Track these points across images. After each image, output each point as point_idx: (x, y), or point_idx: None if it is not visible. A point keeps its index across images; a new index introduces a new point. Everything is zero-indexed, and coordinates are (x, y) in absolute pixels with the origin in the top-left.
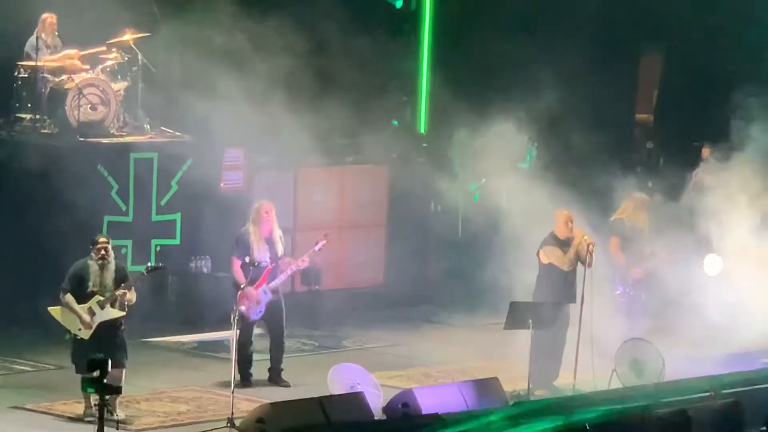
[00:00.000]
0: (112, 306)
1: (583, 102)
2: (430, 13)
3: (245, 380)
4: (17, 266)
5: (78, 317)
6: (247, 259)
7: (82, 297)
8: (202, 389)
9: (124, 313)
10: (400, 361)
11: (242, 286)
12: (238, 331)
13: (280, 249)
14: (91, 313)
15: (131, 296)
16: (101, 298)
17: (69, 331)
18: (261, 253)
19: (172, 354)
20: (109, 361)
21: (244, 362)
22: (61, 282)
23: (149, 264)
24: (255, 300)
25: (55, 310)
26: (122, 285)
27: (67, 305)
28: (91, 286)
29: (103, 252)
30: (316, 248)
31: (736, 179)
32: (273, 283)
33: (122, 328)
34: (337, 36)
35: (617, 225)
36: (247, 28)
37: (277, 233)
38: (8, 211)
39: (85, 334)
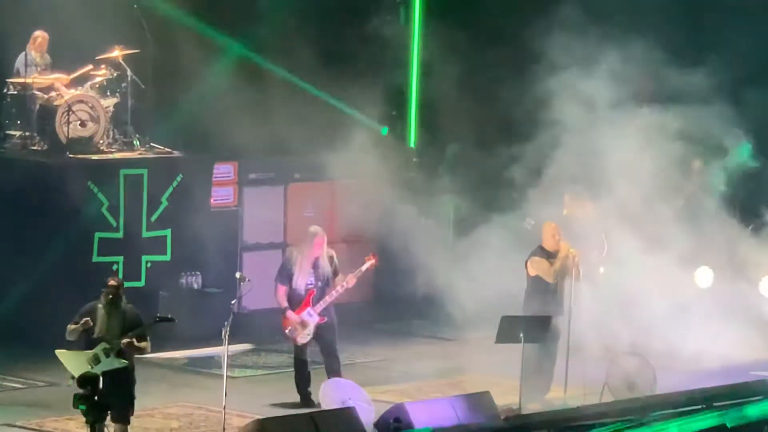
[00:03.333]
0: (119, 356)
1: None
2: (419, 25)
3: (306, 400)
4: (7, 283)
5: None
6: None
7: (90, 342)
8: (194, 405)
9: (126, 363)
10: (391, 376)
11: (283, 311)
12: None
13: (328, 271)
14: (96, 360)
15: (144, 345)
16: (107, 346)
17: (72, 377)
18: (303, 278)
19: (163, 370)
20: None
21: (303, 382)
22: (48, 298)
23: (158, 315)
24: (296, 323)
25: (61, 353)
26: (129, 334)
27: (71, 333)
28: (96, 332)
29: (110, 296)
30: (363, 268)
31: None
32: (318, 305)
33: (130, 379)
34: (327, 50)
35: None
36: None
37: (326, 256)
38: None
39: None
